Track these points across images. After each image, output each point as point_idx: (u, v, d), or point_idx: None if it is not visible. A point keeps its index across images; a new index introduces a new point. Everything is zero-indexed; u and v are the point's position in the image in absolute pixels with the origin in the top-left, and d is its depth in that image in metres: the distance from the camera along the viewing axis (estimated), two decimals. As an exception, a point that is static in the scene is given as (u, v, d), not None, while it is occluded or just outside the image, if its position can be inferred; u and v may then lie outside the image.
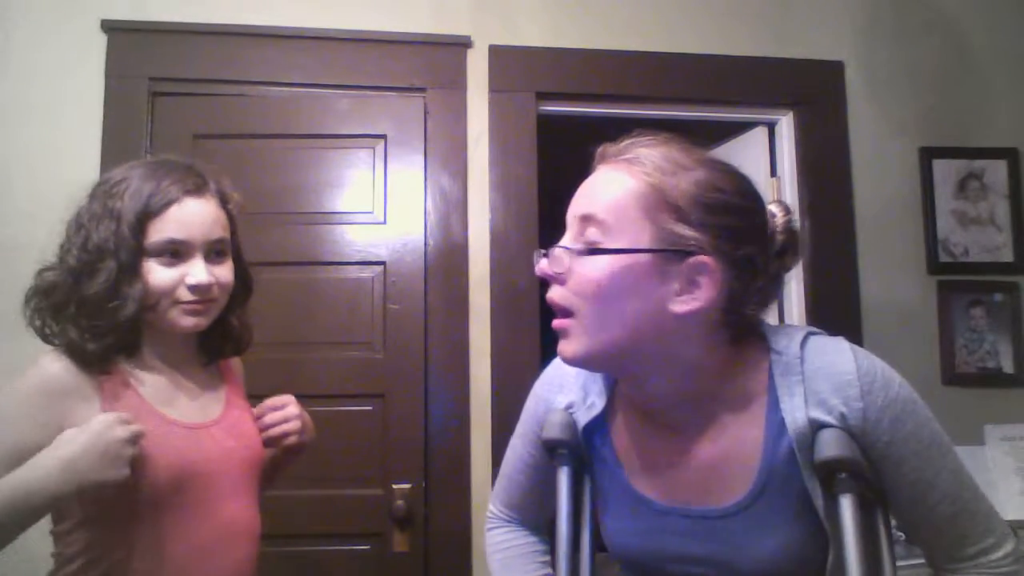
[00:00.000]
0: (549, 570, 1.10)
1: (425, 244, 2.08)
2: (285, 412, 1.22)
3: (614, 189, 0.87)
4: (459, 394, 2.04)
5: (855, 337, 2.13)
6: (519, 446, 1.10)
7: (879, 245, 2.23)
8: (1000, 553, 0.88)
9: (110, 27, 2.03)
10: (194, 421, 1.12)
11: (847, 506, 0.83)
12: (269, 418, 1.22)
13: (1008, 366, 2.23)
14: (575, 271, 0.87)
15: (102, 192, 1.09)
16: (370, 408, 1.99)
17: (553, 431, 0.98)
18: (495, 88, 2.15)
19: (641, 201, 0.86)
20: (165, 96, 2.05)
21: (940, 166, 2.27)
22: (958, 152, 2.29)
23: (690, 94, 2.23)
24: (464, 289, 2.08)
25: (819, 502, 0.85)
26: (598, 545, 1.02)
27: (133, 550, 1.04)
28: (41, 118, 1.98)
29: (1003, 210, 2.28)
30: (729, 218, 0.86)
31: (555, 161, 2.30)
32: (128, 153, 1.95)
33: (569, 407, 1.00)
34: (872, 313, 2.19)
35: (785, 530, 0.87)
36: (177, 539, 1.06)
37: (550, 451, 1.00)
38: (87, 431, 0.98)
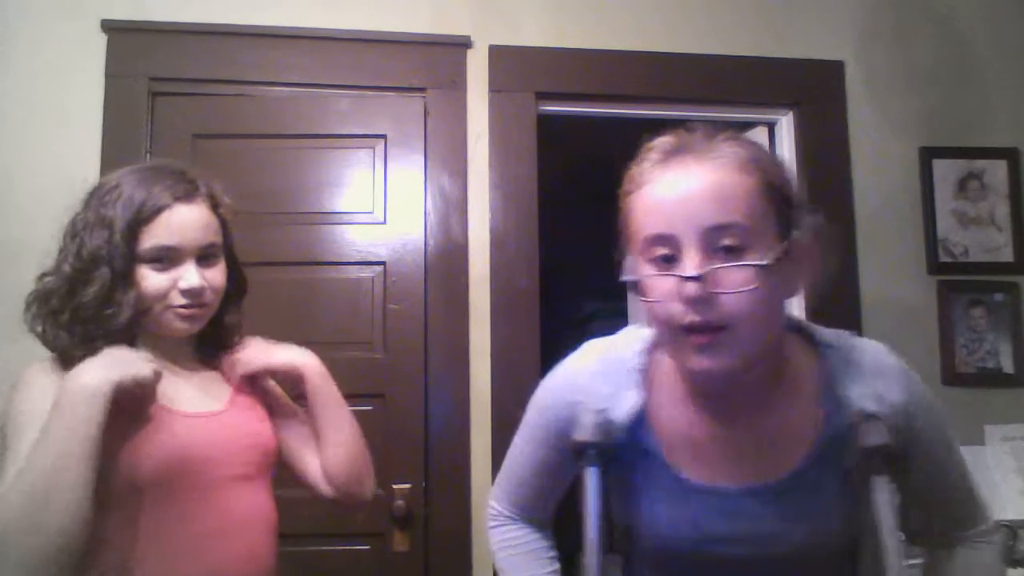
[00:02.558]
0: (557, 565, 1.12)
1: (425, 244, 2.07)
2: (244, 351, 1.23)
3: (740, 192, 0.85)
4: (459, 394, 2.04)
5: (855, 337, 2.14)
6: (529, 450, 1.09)
7: (879, 245, 2.23)
8: (987, 528, 1.03)
9: (110, 27, 2.03)
10: (194, 411, 1.14)
11: (883, 487, 0.90)
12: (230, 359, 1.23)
13: (1008, 366, 2.23)
14: (725, 285, 0.84)
15: (95, 200, 1.11)
16: (370, 408, 1.98)
17: (585, 433, 0.95)
18: (495, 88, 2.15)
19: (768, 200, 0.87)
20: (165, 96, 2.05)
21: (940, 166, 2.27)
22: (958, 152, 2.29)
23: (690, 94, 2.23)
24: (464, 289, 2.08)
25: (855, 482, 0.92)
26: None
27: (137, 537, 1.05)
28: (41, 118, 1.98)
29: (1003, 210, 2.28)
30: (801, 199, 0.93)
31: (555, 161, 2.30)
32: (128, 153, 1.95)
33: (600, 407, 0.97)
34: (872, 313, 2.19)
35: (824, 505, 0.93)
36: (180, 525, 1.07)
37: (578, 453, 0.97)
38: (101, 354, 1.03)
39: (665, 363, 0.98)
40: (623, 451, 0.97)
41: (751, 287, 0.83)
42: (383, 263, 2.05)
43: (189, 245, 1.11)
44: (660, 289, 0.87)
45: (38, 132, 1.98)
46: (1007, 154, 2.30)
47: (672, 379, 0.98)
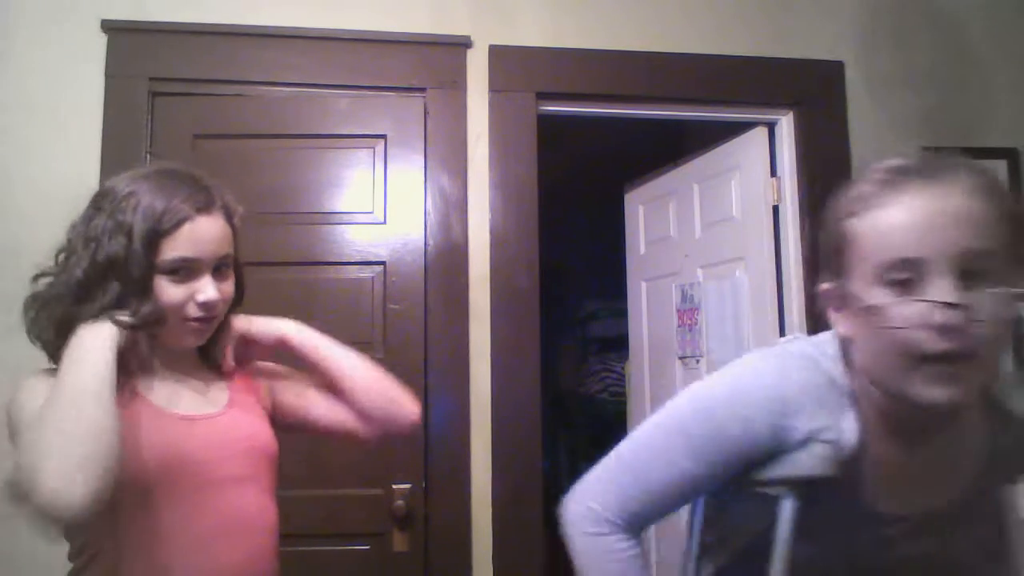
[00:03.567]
0: None
1: (425, 244, 2.07)
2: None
3: (989, 218, 0.82)
4: (459, 394, 2.04)
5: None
6: (687, 464, 0.95)
7: (879, 245, 2.23)
8: None
9: (110, 27, 2.03)
10: (191, 413, 1.13)
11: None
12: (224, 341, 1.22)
13: (1008, 366, 2.23)
14: (978, 313, 0.80)
15: (109, 205, 1.08)
16: (370, 408, 1.99)
17: (812, 466, 0.87)
18: (495, 88, 2.15)
19: (1010, 229, 0.84)
20: (165, 96, 2.05)
21: (940, 166, 2.27)
22: (958, 152, 2.29)
23: (690, 94, 2.23)
24: (464, 289, 2.08)
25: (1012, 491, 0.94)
26: None
27: (136, 540, 1.05)
28: (41, 118, 1.98)
29: (1003, 210, 2.28)
30: None
31: (555, 161, 2.30)
32: (128, 153, 1.96)
33: (818, 432, 0.89)
34: (872, 313, 2.18)
35: (986, 521, 0.93)
36: (180, 527, 1.07)
37: (786, 484, 0.89)
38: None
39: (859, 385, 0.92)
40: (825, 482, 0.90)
41: (1004, 316, 0.80)
42: (383, 263, 2.06)
43: (208, 257, 1.10)
44: (903, 315, 0.81)
45: (38, 132, 1.98)
46: (1007, 154, 2.30)
47: (867, 403, 0.91)
